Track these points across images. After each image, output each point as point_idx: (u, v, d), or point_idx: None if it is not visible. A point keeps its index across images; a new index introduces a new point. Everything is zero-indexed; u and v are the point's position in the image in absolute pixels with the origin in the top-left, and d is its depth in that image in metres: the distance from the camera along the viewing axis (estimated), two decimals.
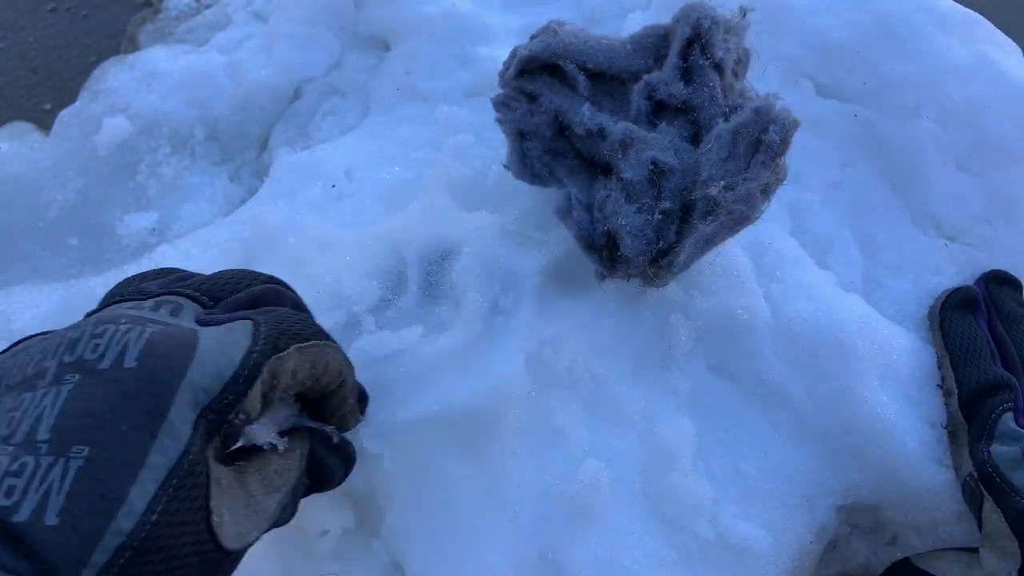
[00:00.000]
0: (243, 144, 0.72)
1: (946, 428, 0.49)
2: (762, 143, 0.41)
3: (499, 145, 0.51)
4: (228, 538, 0.28)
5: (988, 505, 0.42)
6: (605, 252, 0.44)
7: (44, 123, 0.75)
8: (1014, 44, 0.64)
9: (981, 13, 0.64)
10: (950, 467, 0.48)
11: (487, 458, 0.45)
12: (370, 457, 0.44)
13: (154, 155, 0.70)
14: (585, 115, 0.45)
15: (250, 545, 0.30)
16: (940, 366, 0.51)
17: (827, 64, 0.61)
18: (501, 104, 0.47)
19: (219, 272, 0.36)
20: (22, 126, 0.76)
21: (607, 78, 0.47)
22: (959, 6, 0.63)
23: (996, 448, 0.44)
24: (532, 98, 0.47)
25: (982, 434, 0.45)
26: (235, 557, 0.30)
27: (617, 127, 0.44)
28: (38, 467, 0.24)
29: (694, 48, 0.44)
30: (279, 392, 0.32)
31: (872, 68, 0.60)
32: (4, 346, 0.57)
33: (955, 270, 0.57)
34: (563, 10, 0.69)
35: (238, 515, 0.29)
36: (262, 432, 0.31)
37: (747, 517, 0.46)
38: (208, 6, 0.84)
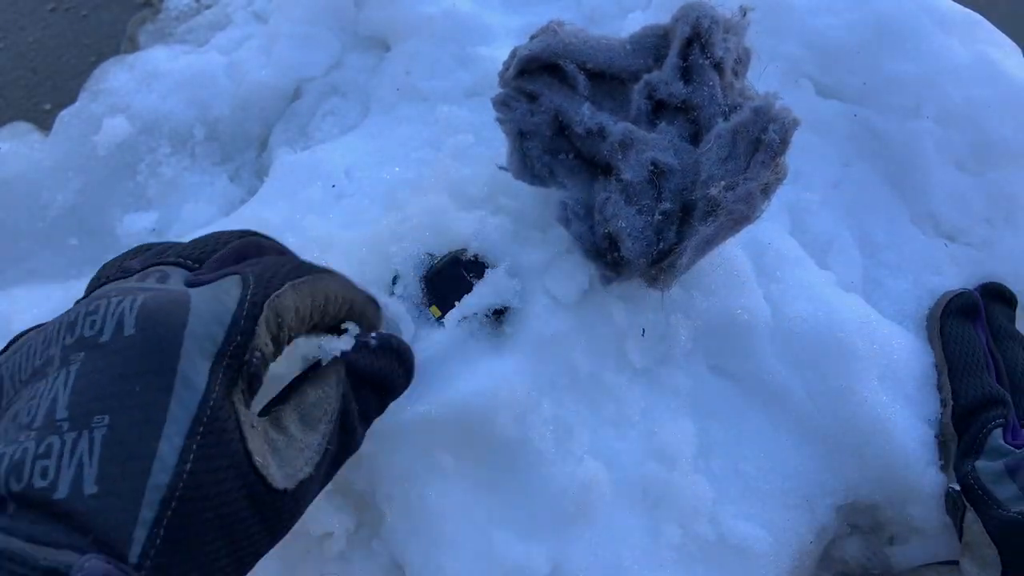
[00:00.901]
0: (243, 144, 0.72)
1: (937, 438, 0.49)
2: (762, 142, 0.41)
3: (499, 145, 0.51)
4: (276, 479, 0.29)
5: (970, 516, 0.43)
6: (608, 256, 0.44)
7: (44, 123, 0.75)
8: (1014, 44, 0.64)
9: (981, 13, 0.64)
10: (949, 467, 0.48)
11: (487, 458, 0.45)
12: (370, 458, 0.44)
13: (154, 155, 0.70)
14: (585, 114, 0.45)
15: (309, 480, 0.31)
16: (939, 374, 0.51)
17: (827, 64, 0.61)
18: (501, 104, 0.47)
19: (196, 238, 0.36)
20: (22, 126, 0.76)
21: (607, 78, 0.47)
22: (959, 6, 0.63)
23: (981, 463, 0.44)
24: (532, 98, 0.47)
25: (971, 449, 0.46)
26: (294, 494, 0.30)
27: (617, 127, 0.44)
28: (64, 444, 0.24)
29: (694, 47, 0.44)
30: (288, 332, 0.32)
31: (872, 68, 0.60)
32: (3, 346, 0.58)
33: (955, 270, 0.57)
34: (563, 10, 0.69)
35: (281, 456, 0.30)
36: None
37: (747, 517, 0.46)
38: (208, 6, 0.84)
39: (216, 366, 0.28)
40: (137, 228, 0.67)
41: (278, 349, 0.32)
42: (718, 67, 0.44)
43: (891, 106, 0.59)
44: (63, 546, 0.22)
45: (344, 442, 0.34)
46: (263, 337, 0.30)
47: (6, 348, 0.31)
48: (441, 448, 0.44)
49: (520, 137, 0.47)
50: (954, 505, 0.45)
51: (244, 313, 0.29)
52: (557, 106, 0.46)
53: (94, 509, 0.23)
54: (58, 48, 0.82)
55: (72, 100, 0.74)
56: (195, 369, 0.27)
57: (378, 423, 0.43)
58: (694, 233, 0.42)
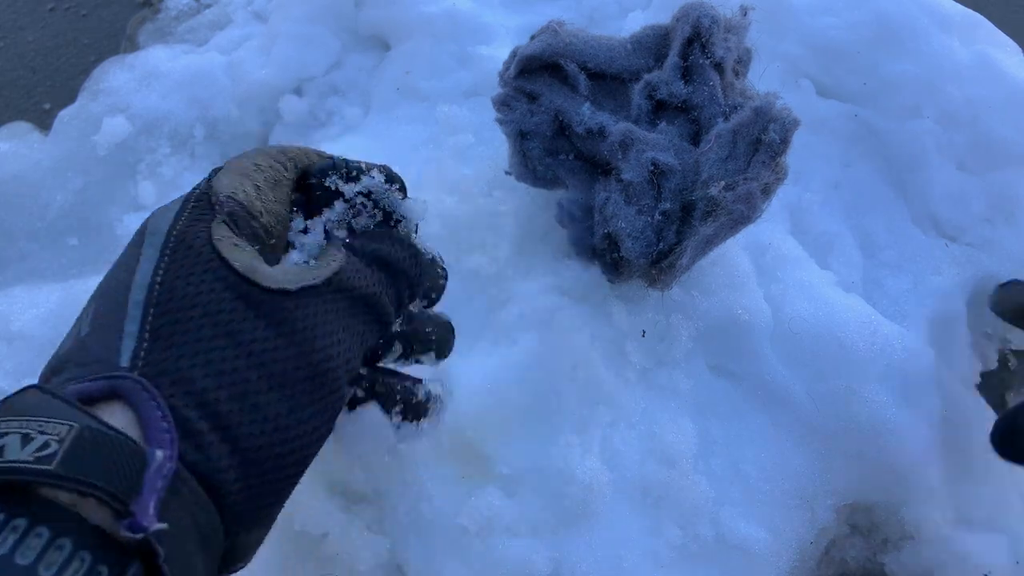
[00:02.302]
0: (243, 144, 0.72)
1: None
2: (762, 142, 0.41)
3: (499, 144, 0.51)
4: (269, 281, 0.27)
5: None
6: (608, 256, 0.44)
7: (44, 123, 0.75)
8: (1015, 44, 0.64)
9: (981, 13, 0.64)
10: (949, 468, 0.48)
11: (487, 459, 0.45)
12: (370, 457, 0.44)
13: (154, 155, 0.70)
14: (585, 114, 0.45)
15: (316, 289, 0.28)
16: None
17: (827, 64, 0.61)
18: (501, 104, 0.47)
19: None
20: (21, 126, 0.76)
21: (608, 78, 0.47)
22: (960, 6, 0.63)
23: None
24: (532, 98, 0.47)
25: None
26: (298, 297, 0.27)
27: (617, 127, 0.44)
28: (76, 325, 0.27)
29: (694, 47, 0.44)
30: (255, 209, 0.29)
31: (872, 68, 0.60)
32: (5, 349, 0.57)
33: (955, 270, 0.57)
34: (563, 10, 0.69)
35: (288, 271, 0.28)
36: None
37: (747, 517, 0.46)
38: (208, 6, 0.84)
39: (180, 212, 0.29)
40: (137, 228, 0.67)
41: (273, 195, 0.30)
42: (718, 67, 0.44)
43: (891, 106, 0.59)
44: (78, 377, 0.24)
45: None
46: (226, 183, 0.29)
47: None
48: (442, 448, 0.44)
49: (520, 137, 0.47)
50: None
51: (200, 185, 0.30)
52: (557, 106, 0.46)
53: (87, 344, 0.25)
54: (57, 48, 0.82)
55: (72, 100, 0.74)
56: (161, 222, 0.29)
57: None
58: (694, 233, 0.42)
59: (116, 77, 0.75)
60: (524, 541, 0.43)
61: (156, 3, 0.85)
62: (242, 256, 0.27)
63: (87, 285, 0.59)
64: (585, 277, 0.49)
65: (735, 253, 0.51)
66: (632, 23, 0.64)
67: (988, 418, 0.52)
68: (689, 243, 0.42)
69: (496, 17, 0.68)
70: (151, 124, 0.71)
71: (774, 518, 0.46)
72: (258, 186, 0.30)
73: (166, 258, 0.27)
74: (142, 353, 0.24)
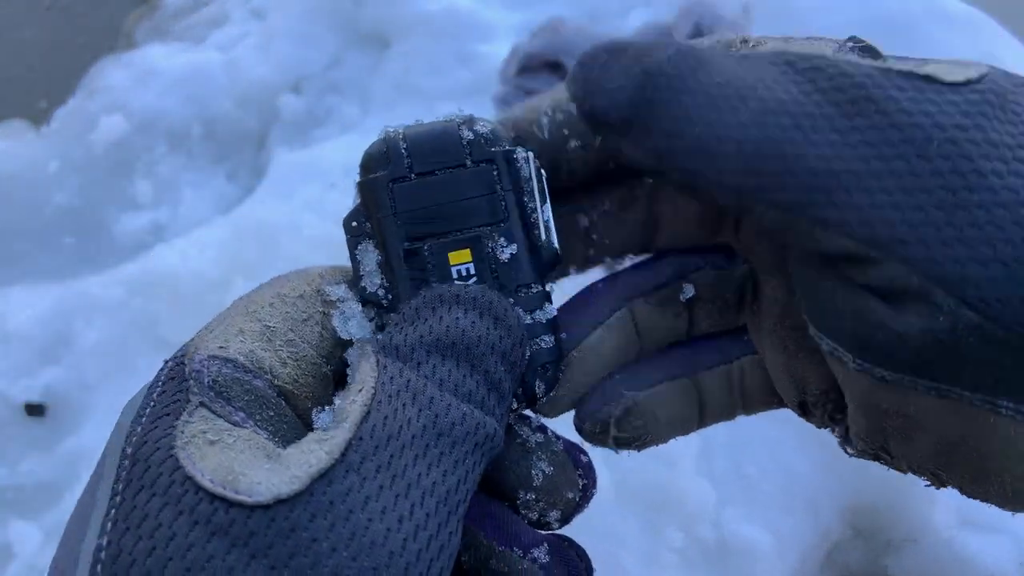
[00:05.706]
0: (241, 142, 0.72)
1: None
2: None
3: None
4: (249, 492, 0.18)
5: None
6: None
7: (40, 122, 0.75)
8: (1021, 43, 0.63)
9: (987, 12, 0.63)
10: None
11: None
12: None
13: (151, 154, 0.70)
14: None
15: (323, 478, 0.18)
16: None
17: None
18: (502, 102, 0.47)
19: None
20: (18, 125, 0.76)
21: None
22: (964, 5, 0.63)
23: None
24: (533, 96, 0.47)
25: None
26: (292, 505, 0.18)
27: None
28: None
29: None
30: (261, 364, 0.20)
31: None
32: (0, 348, 0.57)
33: None
34: (564, 7, 0.69)
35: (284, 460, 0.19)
36: None
37: (749, 520, 0.46)
38: (206, 3, 0.84)
39: (143, 406, 0.20)
40: (133, 227, 0.67)
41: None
42: None
43: None
44: None
45: None
46: (212, 335, 0.20)
47: None
48: None
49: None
50: None
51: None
52: None
53: None
54: (54, 46, 0.81)
55: (69, 98, 0.74)
56: (122, 428, 0.20)
57: None
58: None
59: (113, 75, 0.74)
60: None
61: (153, 0, 0.85)
62: (217, 459, 0.19)
63: (84, 285, 0.59)
64: (586, 276, 0.48)
65: None
66: (634, 20, 0.64)
67: None
68: None
69: (496, 15, 0.68)
70: (148, 122, 0.70)
71: (777, 521, 0.46)
72: (269, 327, 0.21)
73: (118, 496, 0.18)
74: None
